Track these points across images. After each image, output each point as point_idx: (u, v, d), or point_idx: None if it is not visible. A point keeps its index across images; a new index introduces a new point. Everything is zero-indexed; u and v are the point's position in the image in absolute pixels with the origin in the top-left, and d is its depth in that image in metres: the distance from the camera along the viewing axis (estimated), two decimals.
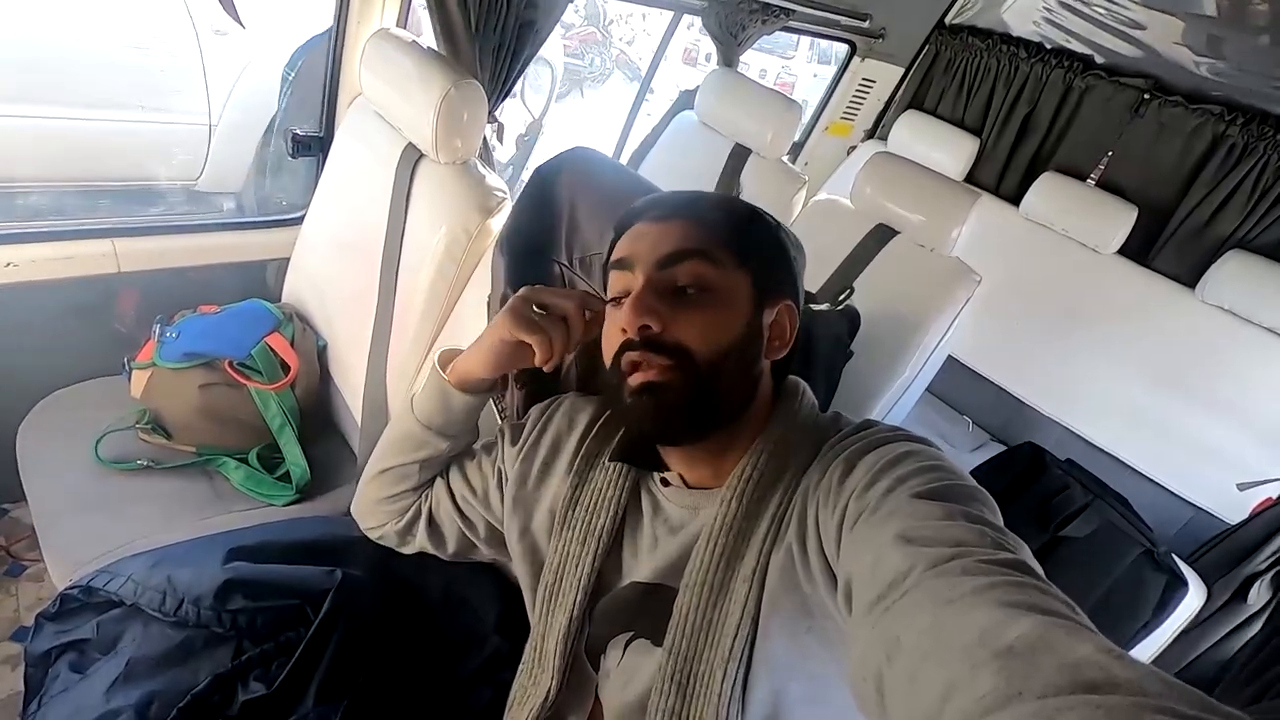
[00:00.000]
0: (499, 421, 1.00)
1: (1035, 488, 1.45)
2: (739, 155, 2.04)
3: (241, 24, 2.15)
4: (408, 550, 0.95)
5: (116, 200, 2.79)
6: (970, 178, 2.54)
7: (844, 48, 2.67)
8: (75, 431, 1.28)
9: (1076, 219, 2.19)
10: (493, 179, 1.27)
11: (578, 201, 0.94)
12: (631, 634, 0.72)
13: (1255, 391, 1.93)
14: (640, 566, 0.73)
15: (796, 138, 2.77)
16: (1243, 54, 1.75)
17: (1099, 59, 2.23)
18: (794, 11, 2.22)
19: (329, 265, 1.46)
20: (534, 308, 0.79)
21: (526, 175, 1.29)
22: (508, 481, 0.83)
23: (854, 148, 2.82)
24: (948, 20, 2.53)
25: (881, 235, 1.32)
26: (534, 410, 0.87)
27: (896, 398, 1.19)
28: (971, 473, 0.58)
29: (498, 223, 1.23)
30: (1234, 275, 1.95)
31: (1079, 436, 2.13)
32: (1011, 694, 0.34)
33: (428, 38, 1.35)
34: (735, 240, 0.69)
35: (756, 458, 0.67)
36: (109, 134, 2.68)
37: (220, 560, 0.94)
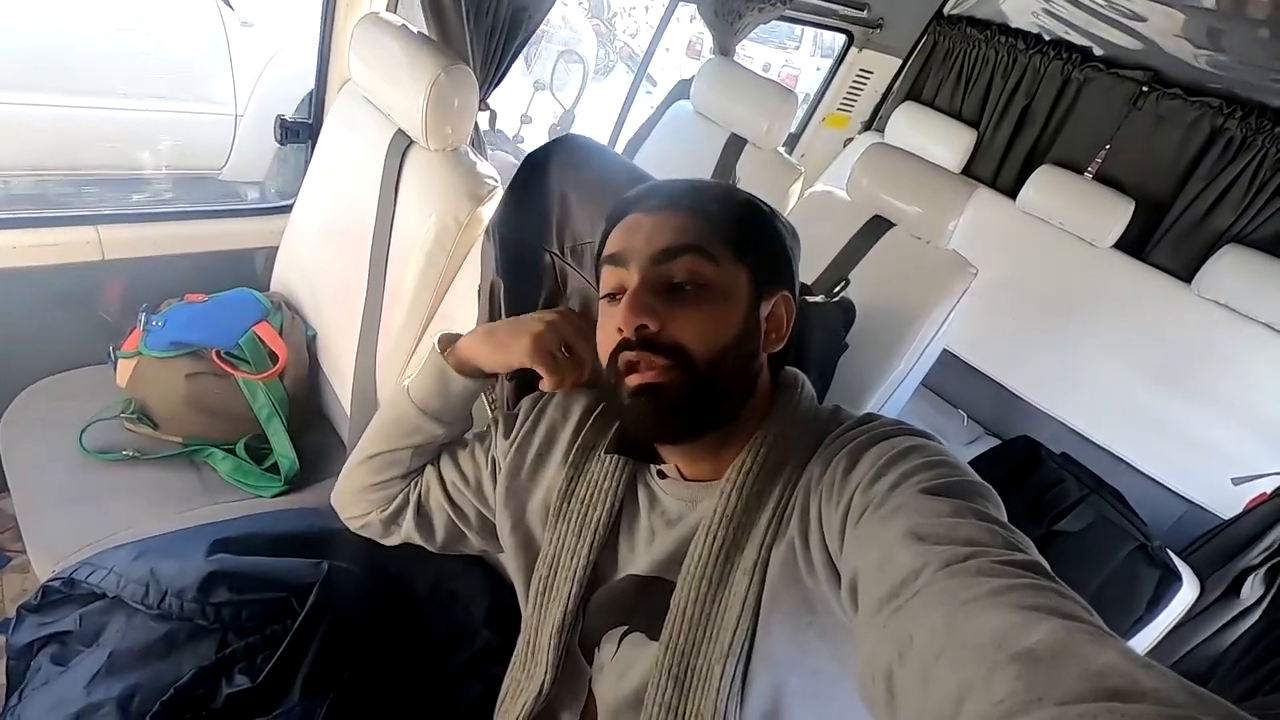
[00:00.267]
0: (489, 412, 0.99)
1: (1030, 481, 1.45)
2: (735, 145, 2.03)
3: (230, 5, 2.14)
4: (391, 541, 0.93)
5: (141, 188, 2.87)
6: (967, 170, 2.53)
7: (842, 38, 2.66)
8: (59, 421, 1.26)
9: (1073, 212, 2.18)
10: (484, 166, 1.25)
11: (569, 189, 0.92)
12: (627, 627, 0.71)
13: (1250, 386, 1.93)
14: (637, 559, 0.72)
15: (793, 129, 2.75)
16: (1242, 47, 1.73)
17: (1098, 51, 2.22)
18: (791, 0, 2.20)
19: (318, 254, 1.44)
20: (561, 346, 0.79)
21: None
22: (500, 472, 0.82)
23: (850, 139, 2.80)
24: (946, 11, 2.52)
25: (878, 227, 1.31)
26: (526, 401, 0.86)
27: (891, 391, 1.18)
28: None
29: (488, 211, 1.21)
30: (1230, 270, 1.95)
31: (1073, 431, 2.13)
32: (1031, 699, 0.33)
33: (419, 22, 1.32)
34: (732, 233, 0.68)
35: (756, 450, 0.66)
36: (138, 124, 2.75)
37: (204, 552, 0.94)
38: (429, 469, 0.89)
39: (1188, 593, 1.37)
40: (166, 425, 1.30)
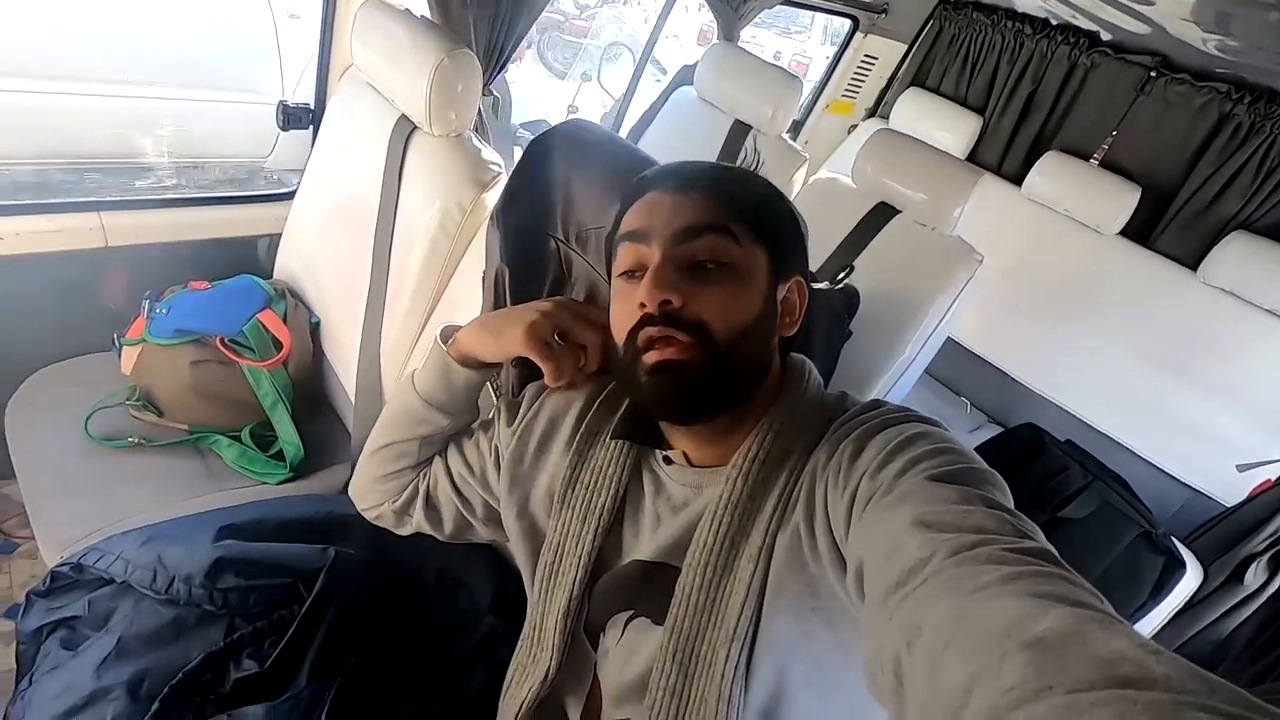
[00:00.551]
0: (495, 400, 0.99)
1: (1034, 468, 1.45)
2: (739, 132, 2.01)
3: None
4: (404, 531, 0.94)
5: (191, 175, 3.02)
6: (972, 157, 2.52)
7: (847, 24, 2.63)
8: (65, 408, 1.26)
9: (1079, 199, 2.17)
10: (488, 152, 1.24)
11: (574, 175, 0.92)
12: (632, 612, 0.72)
13: (1255, 374, 1.92)
14: (642, 545, 0.72)
15: (797, 116, 2.73)
16: (1252, 31, 1.71)
17: (1105, 35, 2.19)
18: None
19: (322, 240, 1.44)
20: (555, 333, 0.78)
21: None
22: (504, 460, 0.82)
23: (855, 126, 2.79)
24: None
25: (882, 214, 1.30)
26: (530, 388, 0.86)
27: (896, 378, 1.18)
28: None
29: (493, 197, 1.21)
30: (1236, 257, 1.93)
31: (1076, 418, 2.12)
32: (1041, 687, 0.33)
33: (421, 7, 1.31)
34: (753, 215, 0.68)
35: (763, 436, 0.66)
36: (188, 114, 2.91)
37: (211, 538, 0.94)
38: (436, 460, 0.90)
39: (1191, 579, 1.38)
40: (171, 412, 1.30)
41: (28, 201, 1.36)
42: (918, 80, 2.65)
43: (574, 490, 0.75)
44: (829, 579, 0.59)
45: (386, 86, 1.29)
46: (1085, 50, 2.24)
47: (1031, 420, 1.71)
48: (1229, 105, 2.00)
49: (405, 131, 1.24)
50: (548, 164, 0.93)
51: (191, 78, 2.84)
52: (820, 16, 5.62)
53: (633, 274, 0.67)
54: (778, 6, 2.36)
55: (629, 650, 0.71)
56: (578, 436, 0.77)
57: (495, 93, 1.53)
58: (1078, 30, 2.25)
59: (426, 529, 0.92)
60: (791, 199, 0.76)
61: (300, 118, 1.52)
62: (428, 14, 1.29)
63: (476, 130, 1.31)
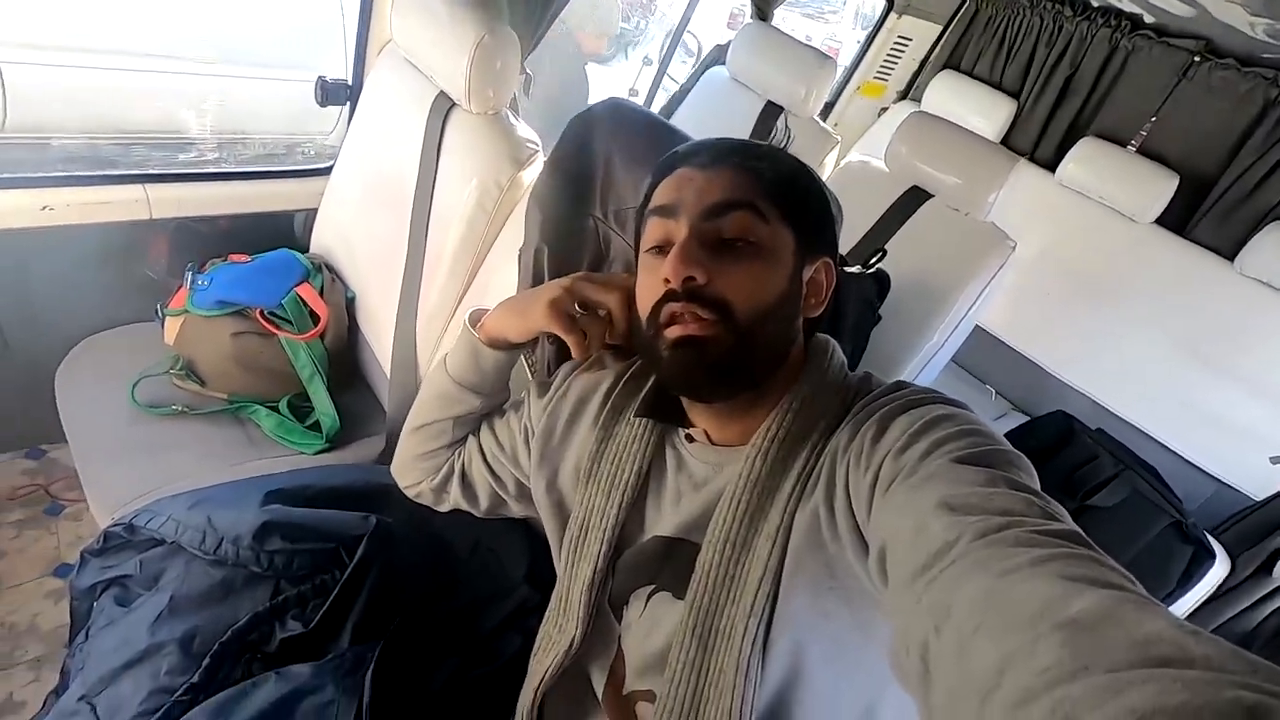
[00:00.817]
0: (529, 377, 1.01)
1: (1064, 456, 1.44)
2: (771, 113, 2.00)
3: None
4: (443, 508, 0.96)
5: (256, 149, 3.08)
6: (1005, 142, 2.48)
7: (881, 4, 2.59)
8: (111, 375, 1.30)
9: (1114, 186, 2.13)
10: (524, 130, 1.25)
11: (614, 154, 0.92)
12: (654, 586, 0.73)
13: None
14: (663, 521, 0.73)
15: (828, 98, 2.70)
16: None
17: (1148, 18, 2.14)
18: None
19: (358, 216, 1.46)
20: (576, 304, 0.79)
21: None
22: (534, 437, 0.83)
23: (885, 109, 2.75)
24: None
25: (915, 198, 1.29)
26: (564, 366, 0.87)
27: (923, 364, 1.18)
28: None
29: (529, 175, 1.22)
30: (1276, 248, 1.89)
31: (1104, 408, 2.10)
32: (1078, 668, 0.32)
33: None
34: (782, 194, 0.67)
35: (784, 415, 0.66)
36: (253, 92, 3.02)
37: (258, 503, 0.97)
38: (471, 439, 0.92)
39: (1219, 570, 1.37)
40: (213, 382, 1.33)
41: (78, 173, 1.38)
42: (951, 63, 2.61)
43: (599, 466, 0.76)
44: (848, 559, 0.59)
45: (425, 63, 1.29)
46: (1127, 33, 2.18)
47: (1060, 409, 1.69)
48: (1275, 92, 1.95)
49: (444, 108, 1.25)
50: (588, 143, 0.94)
51: (251, 56, 2.92)
52: (853, 1, 5.51)
53: (660, 249, 0.68)
54: None
55: (651, 623, 0.72)
56: (603, 414, 0.78)
57: (529, 70, 1.53)
58: (1120, 13, 2.20)
59: (463, 505, 0.94)
60: (805, 166, 0.75)
61: (338, 93, 1.54)
62: None
63: (511, 108, 1.32)
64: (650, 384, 0.78)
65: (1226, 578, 1.40)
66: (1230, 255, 2.00)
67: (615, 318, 0.79)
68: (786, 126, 1.95)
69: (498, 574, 1.03)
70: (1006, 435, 1.53)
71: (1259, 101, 1.98)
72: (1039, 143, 2.43)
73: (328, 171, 1.54)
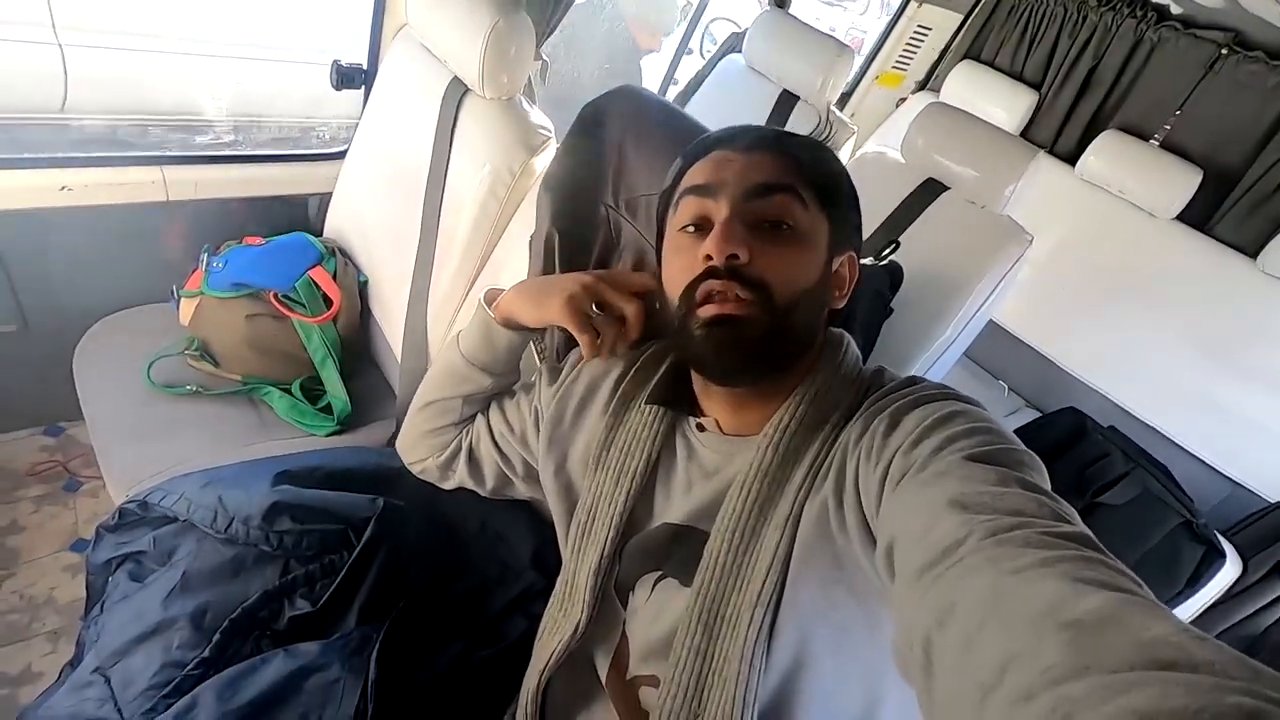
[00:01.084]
0: (538, 362, 1.01)
1: (1075, 452, 1.43)
2: (786, 101, 1.99)
3: None
4: (448, 485, 0.97)
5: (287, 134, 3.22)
6: (1025, 134, 2.44)
7: None
8: (128, 355, 1.32)
9: (1136, 181, 2.09)
10: (537, 116, 1.25)
11: (627, 142, 0.92)
12: (660, 573, 0.73)
13: None
14: (672, 508, 0.74)
15: (844, 87, 2.68)
16: None
17: (1175, 9, 2.10)
18: None
19: (371, 200, 1.46)
20: (593, 304, 0.79)
21: None
22: (544, 421, 0.84)
23: (904, 99, 2.72)
24: None
25: (931, 190, 1.28)
26: (574, 353, 0.87)
27: (934, 359, 1.17)
28: None
29: (542, 161, 1.22)
30: None
31: (1119, 406, 2.08)
32: (1080, 667, 0.32)
33: None
34: (820, 183, 0.68)
35: (795, 406, 0.67)
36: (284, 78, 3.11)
37: (268, 483, 0.98)
38: (479, 418, 0.92)
39: (1230, 571, 1.36)
40: (227, 363, 1.35)
41: (96, 154, 1.40)
42: (972, 53, 2.57)
43: (608, 453, 0.77)
44: (855, 552, 0.59)
45: (440, 48, 1.29)
46: (1153, 25, 2.14)
47: (1072, 406, 1.68)
48: None
49: (458, 94, 1.25)
50: (601, 130, 0.94)
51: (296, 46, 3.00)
52: None
53: (698, 228, 0.67)
54: None
55: (656, 609, 0.72)
56: (614, 401, 0.79)
57: (545, 56, 1.53)
58: (1145, 3, 2.15)
59: (469, 484, 0.95)
60: (841, 160, 0.75)
61: (353, 77, 1.54)
62: None
63: (525, 94, 1.32)
64: (662, 372, 0.78)
65: (1238, 580, 1.39)
66: (1253, 253, 1.96)
67: (631, 324, 0.79)
68: (829, 121, 1.93)
69: (504, 557, 1.04)
70: (1017, 431, 1.52)
71: None
72: (1059, 135, 2.39)
73: (342, 155, 1.55)
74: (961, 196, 1.26)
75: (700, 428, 0.74)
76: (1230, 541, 1.42)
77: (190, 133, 2.89)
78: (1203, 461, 1.97)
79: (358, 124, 1.50)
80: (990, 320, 1.29)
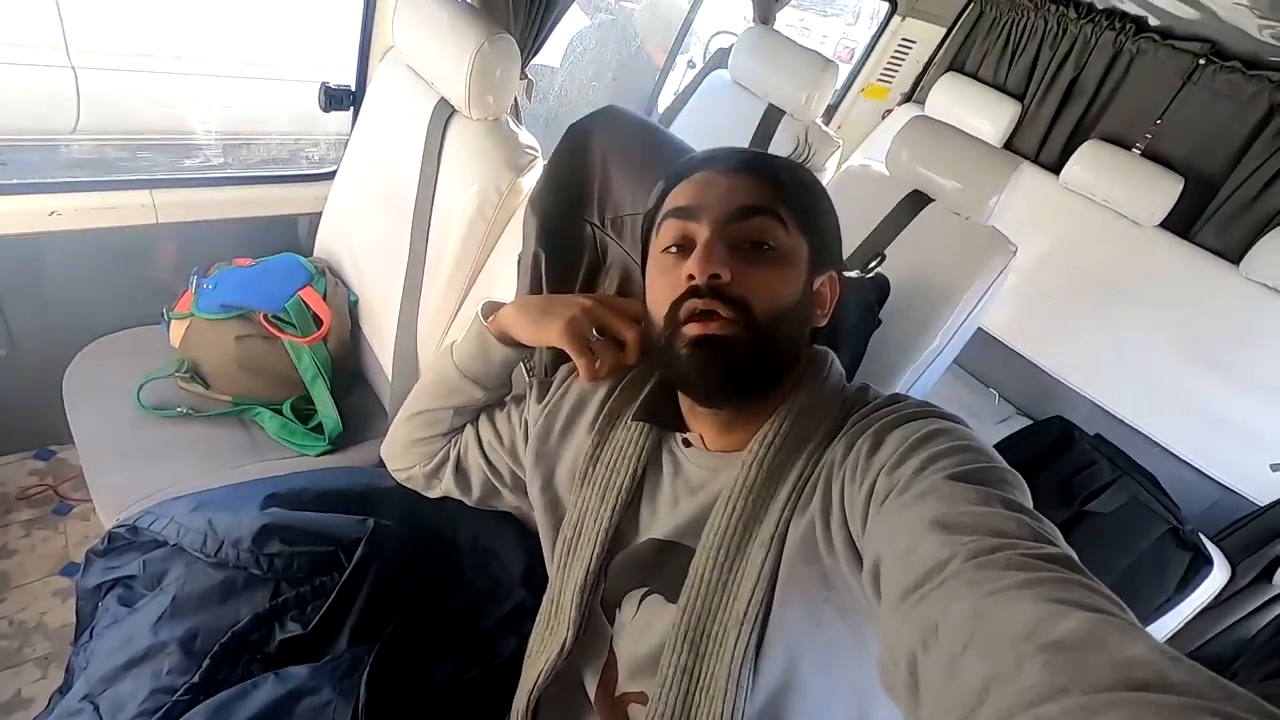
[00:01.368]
0: (526, 378, 1.01)
1: (1062, 462, 1.44)
2: (772, 116, 2.00)
3: None
4: (433, 494, 0.97)
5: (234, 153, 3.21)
6: (1009, 144, 2.47)
7: (886, 6, 2.59)
8: (118, 378, 1.32)
9: (1119, 190, 2.12)
10: (524, 136, 1.26)
11: (610, 161, 0.93)
12: (647, 589, 0.73)
13: None
14: (658, 524, 0.74)
15: (831, 100, 2.70)
16: None
17: (1153, 21, 2.13)
18: None
19: (361, 220, 1.47)
20: (594, 330, 0.79)
21: None
22: (531, 436, 0.84)
23: (889, 111, 2.75)
24: None
25: (916, 202, 1.29)
26: (562, 369, 0.88)
27: (924, 368, 1.18)
28: (999, 444, 0.57)
29: (529, 180, 1.23)
30: None
31: (1108, 412, 2.09)
32: (1057, 689, 0.33)
33: None
34: (801, 205, 0.69)
35: (781, 422, 0.67)
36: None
37: (257, 506, 0.98)
38: (469, 428, 0.92)
39: (1218, 576, 1.37)
40: (217, 384, 1.35)
41: (85, 179, 1.41)
42: (955, 65, 2.61)
43: (594, 469, 0.77)
44: (843, 572, 0.59)
45: (426, 70, 1.31)
46: (1131, 36, 2.17)
47: (1062, 413, 1.69)
48: None
49: (444, 115, 1.26)
50: (585, 150, 0.95)
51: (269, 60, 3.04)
52: (868, 0, 5.45)
53: (681, 249, 0.68)
54: None
55: (643, 626, 0.73)
56: (601, 417, 0.79)
57: (530, 76, 1.54)
58: (1124, 15, 2.19)
59: (455, 493, 0.95)
60: (825, 185, 0.77)
61: (341, 99, 1.55)
62: None
63: (512, 114, 1.33)
64: (649, 388, 0.79)
65: (1226, 585, 1.40)
66: (1235, 259, 1.99)
67: (630, 350, 0.80)
68: (808, 141, 1.95)
69: (495, 575, 1.04)
70: (1005, 440, 1.53)
71: (1264, 105, 1.97)
72: (1043, 145, 2.42)
73: (331, 176, 1.55)
74: (946, 208, 1.27)
75: (686, 443, 0.74)
76: (1219, 546, 1.43)
77: (181, 153, 2.91)
78: (1191, 466, 1.99)
79: (346, 144, 1.51)
80: (980, 329, 1.31)
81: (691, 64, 2.88)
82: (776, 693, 0.65)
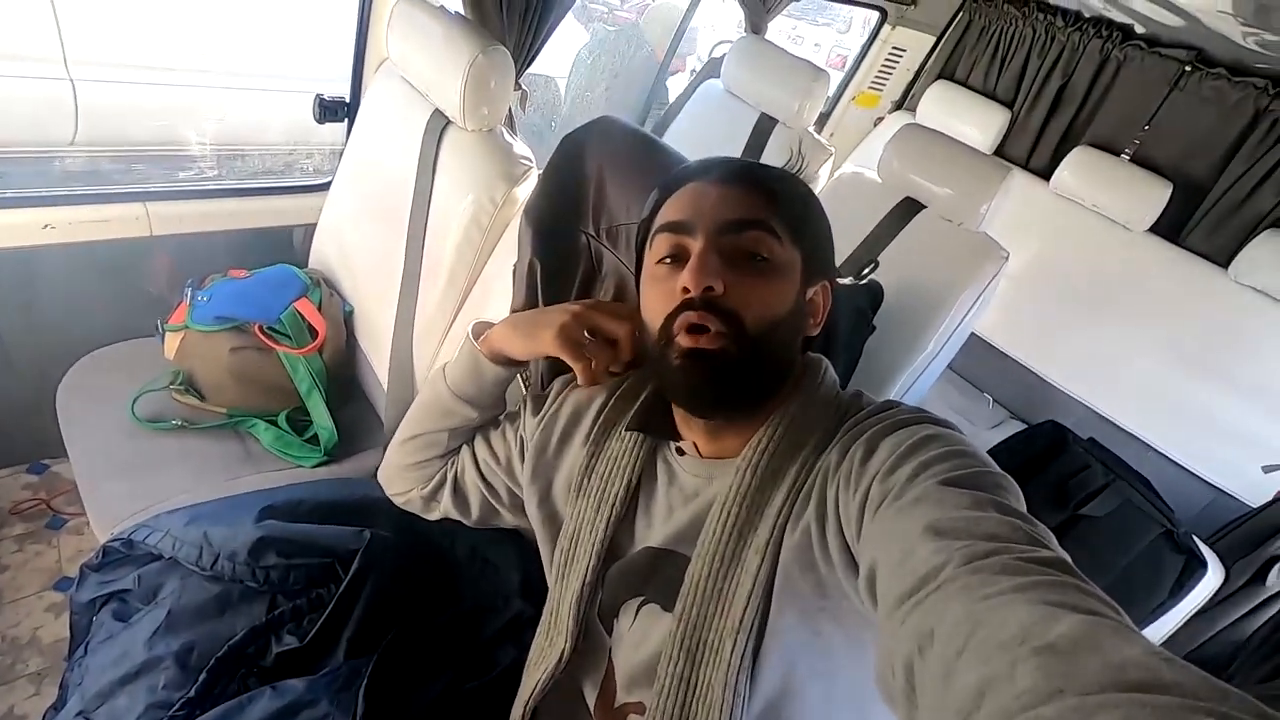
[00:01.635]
0: (523, 392, 1.02)
1: (1055, 466, 1.45)
2: (765, 125, 2.02)
3: None
4: (432, 516, 0.97)
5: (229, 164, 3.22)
6: (1000, 151, 2.50)
7: (876, 15, 2.62)
8: (112, 391, 1.31)
9: (1108, 195, 2.14)
10: (519, 147, 1.27)
11: (605, 171, 0.94)
12: (643, 598, 0.73)
13: None
14: (654, 533, 0.74)
15: (823, 108, 2.72)
16: None
17: (1139, 29, 2.16)
18: None
19: (356, 231, 1.47)
20: (585, 332, 0.80)
21: None
22: (528, 450, 0.84)
23: (881, 119, 2.77)
24: None
25: (908, 209, 1.30)
26: (557, 382, 0.88)
27: (918, 374, 1.18)
28: (992, 449, 0.57)
29: (524, 191, 1.23)
30: (1269, 255, 1.91)
31: (1101, 416, 2.11)
32: (1052, 691, 0.33)
33: (455, 3, 1.34)
34: (794, 215, 0.69)
35: (773, 430, 0.67)
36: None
37: (253, 518, 0.98)
38: (465, 449, 0.92)
39: (1212, 579, 1.37)
40: (212, 396, 1.34)
41: (79, 191, 1.41)
42: (945, 73, 2.63)
43: (589, 480, 0.77)
44: (838, 579, 0.60)
45: (421, 82, 1.31)
46: (1118, 44, 2.20)
47: (1055, 418, 1.70)
48: (1265, 101, 1.96)
49: (439, 126, 1.27)
50: (579, 160, 0.96)
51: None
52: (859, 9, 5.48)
53: (673, 259, 0.69)
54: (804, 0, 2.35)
55: (640, 635, 0.73)
56: (595, 428, 0.80)
57: (524, 86, 1.55)
58: (1111, 23, 2.22)
59: (454, 515, 0.95)
60: (817, 192, 0.77)
61: (336, 110, 1.56)
62: (461, 9, 1.31)
63: (507, 125, 1.34)
64: (643, 398, 0.79)
65: (1221, 587, 1.40)
66: (1224, 263, 2.01)
67: (623, 347, 0.80)
68: (801, 153, 1.96)
69: (493, 585, 1.04)
70: (999, 444, 1.53)
71: (1250, 110, 1.99)
72: (1033, 152, 2.45)
73: (326, 187, 1.56)
74: (938, 215, 1.28)
75: (680, 451, 0.75)
76: (1213, 548, 1.44)
77: (175, 164, 2.91)
78: (1184, 468, 2.00)
79: (341, 155, 1.52)
80: (973, 334, 1.31)
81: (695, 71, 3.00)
82: (774, 701, 0.65)
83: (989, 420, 2.26)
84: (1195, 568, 1.33)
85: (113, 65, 2.71)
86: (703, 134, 2.14)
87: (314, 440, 1.34)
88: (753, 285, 0.66)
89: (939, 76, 2.63)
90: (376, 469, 1.31)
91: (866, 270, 1.24)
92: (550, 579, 0.81)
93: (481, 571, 1.04)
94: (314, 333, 1.39)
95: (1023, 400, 2.28)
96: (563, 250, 0.96)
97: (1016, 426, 2.20)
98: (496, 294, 1.18)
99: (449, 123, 1.27)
